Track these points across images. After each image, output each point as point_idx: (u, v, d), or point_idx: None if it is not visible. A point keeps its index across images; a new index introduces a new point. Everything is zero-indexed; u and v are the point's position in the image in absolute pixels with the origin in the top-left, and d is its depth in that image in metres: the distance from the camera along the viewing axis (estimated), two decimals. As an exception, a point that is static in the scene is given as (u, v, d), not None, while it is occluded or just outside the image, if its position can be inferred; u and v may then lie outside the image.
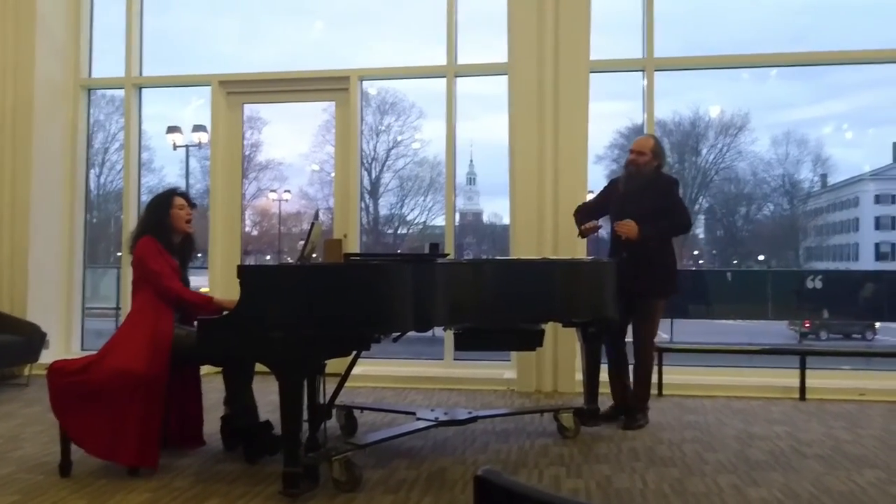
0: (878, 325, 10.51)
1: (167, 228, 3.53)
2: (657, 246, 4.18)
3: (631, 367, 4.34)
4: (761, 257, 16.75)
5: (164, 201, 3.58)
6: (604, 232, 4.63)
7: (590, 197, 5.03)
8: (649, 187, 4.21)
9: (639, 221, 4.09)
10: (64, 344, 6.18)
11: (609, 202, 4.41)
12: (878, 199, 16.61)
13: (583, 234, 4.38)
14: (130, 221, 6.05)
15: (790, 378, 5.14)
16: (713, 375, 5.35)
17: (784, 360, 5.39)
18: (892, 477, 3.25)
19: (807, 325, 10.31)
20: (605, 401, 4.56)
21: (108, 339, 3.38)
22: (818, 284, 7.26)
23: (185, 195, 3.67)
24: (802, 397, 5.02)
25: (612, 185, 4.46)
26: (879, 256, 16.39)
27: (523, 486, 0.84)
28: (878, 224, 16.50)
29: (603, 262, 4.14)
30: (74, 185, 6.30)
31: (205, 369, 3.81)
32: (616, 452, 3.65)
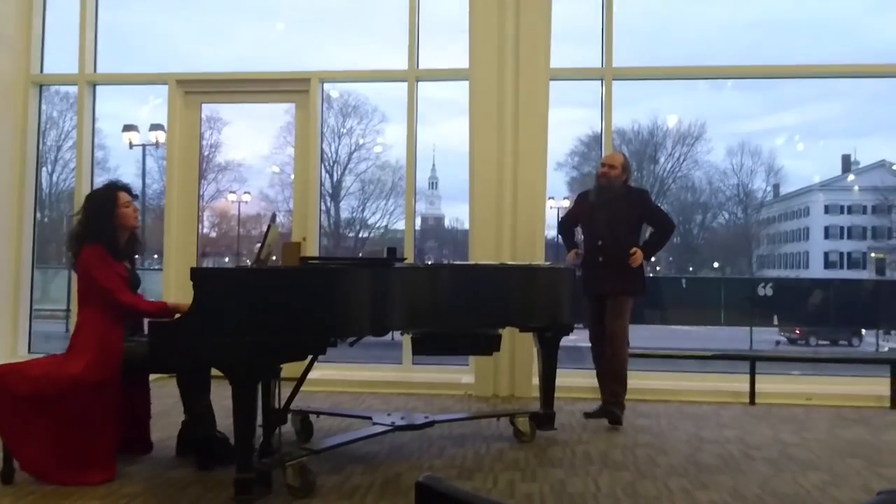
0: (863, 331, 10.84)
1: (113, 231, 3.32)
2: (634, 245, 4.45)
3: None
4: (716, 264, 17.13)
5: (109, 200, 3.33)
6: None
7: (549, 203, 5.15)
8: (620, 199, 4.49)
9: (609, 229, 4.45)
10: (11, 346, 6.00)
11: (579, 214, 4.72)
12: (828, 210, 17.14)
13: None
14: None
15: (741, 383, 5.26)
16: (666, 380, 5.46)
17: (736, 366, 5.52)
18: (835, 479, 3.35)
19: (797, 332, 10.58)
20: (561, 405, 4.62)
21: (58, 355, 3.27)
22: (769, 292, 7.45)
23: (126, 188, 3.42)
24: (752, 402, 5.14)
25: (583, 197, 4.76)
26: (828, 265, 16.90)
27: (463, 492, 0.84)
28: (828, 233, 17.02)
29: (559, 269, 4.22)
30: (24, 184, 6.12)
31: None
32: (570, 457, 3.69)
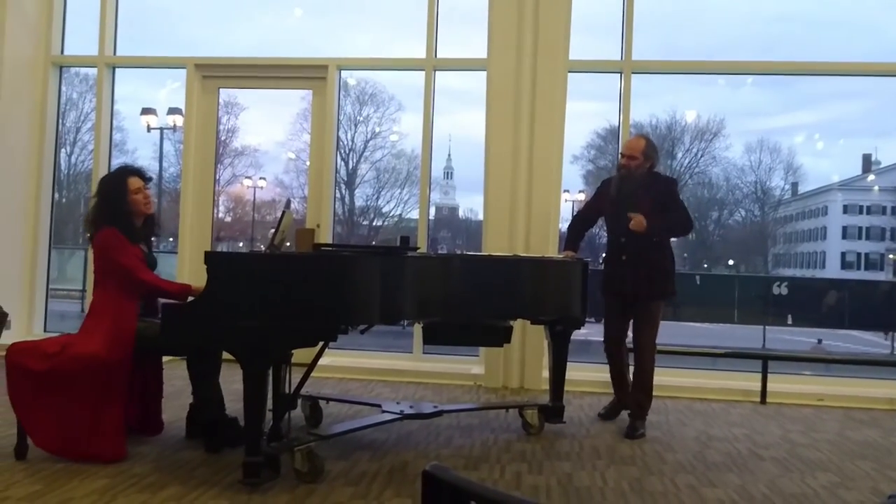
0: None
1: (127, 216, 3.34)
2: (659, 243, 4.17)
3: (631, 370, 4.33)
4: (731, 262, 17.01)
5: (119, 186, 3.34)
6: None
7: (564, 196, 5.08)
8: (645, 188, 4.15)
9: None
10: (26, 325, 6.08)
11: (602, 204, 4.39)
12: (846, 209, 16.97)
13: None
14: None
15: (752, 381, 5.23)
16: (676, 377, 5.42)
17: (747, 364, 5.49)
18: (843, 481, 3.33)
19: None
20: (570, 398, 4.62)
21: (72, 334, 3.31)
22: (784, 291, 7.40)
23: (139, 172, 3.42)
24: (763, 401, 5.11)
25: (605, 187, 4.41)
26: (845, 265, 16.75)
27: (469, 482, 0.84)
28: (846, 233, 16.86)
29: (571, 262, 4.17)
30: (42, 164, 6.18)
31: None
32: (578, 450, 3.69)
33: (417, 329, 5.46)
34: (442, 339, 4.09)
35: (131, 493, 2.79)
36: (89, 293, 4.32)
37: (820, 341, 9.27)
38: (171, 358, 3.96)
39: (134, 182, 3.38)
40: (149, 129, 12.41)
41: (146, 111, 12.28)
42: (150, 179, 3.49)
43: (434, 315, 3.62)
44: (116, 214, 3.32)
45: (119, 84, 6.39)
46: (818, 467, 3.54)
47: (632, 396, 4.24)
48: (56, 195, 6.45)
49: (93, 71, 6.35)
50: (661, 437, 4.03)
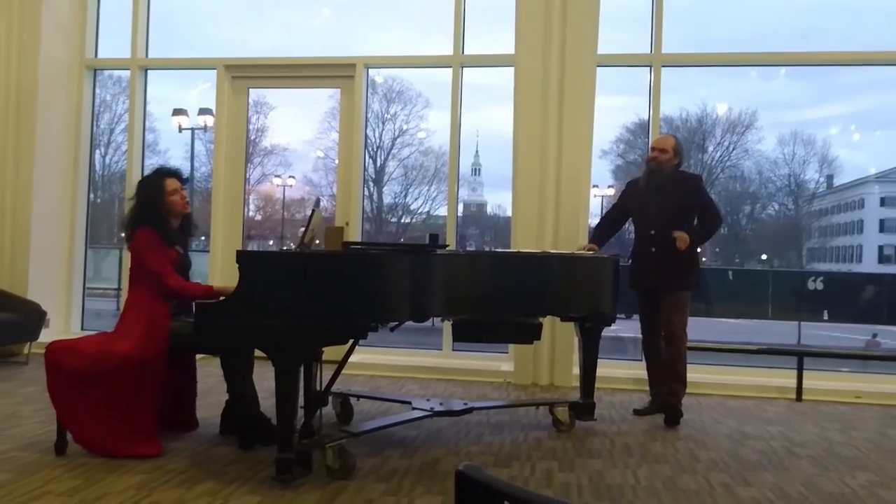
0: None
1: (164, 217, 3.41)
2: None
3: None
4: (764, 256, 16.72)
5: (156, 188, 3.41)
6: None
7: (593, 192, 5.05)
8: (672, 184, 4.25)
9: (662, 218, 4.20)
10: (64, 323, 6.22)
11: (630, 202, 4.48)
12: (884, 202, 16.56)
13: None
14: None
15: (787, 378, 5.14)
16: (710, 374, 5.35)
17: (782, 361, 5.40)
18: (883, 480, 3.25)
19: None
20: (601, 395, 4.59)
21: (108, 333, 3.37)
22: (819, 286, 7.26)
23: (176, 173, 3.49)
24: (799, 398, 5.02)
25: (632, 186, 4.52)
26: (882, 259, 16.36)
27: (502, 482, 0.84)
28: (883, 227, 16.46)
29: (602, 258, 4.15)
30: (78, 165, 6.31)
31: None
32: (609, 448, 3.67)
33: (447, 326, 5.46)
34: (471, 336, 4.09)
35: (167, 488, 2.84)
36: (124, 291, 4.40)
37: (875, 336, 8.91)
38: (203, 356, 4.01)
39: (171, 183, 3.45)
40: (180, 129, 12.59)
41: (177, 112, 12.45)
42: (186, 180, 3.57)
43: (463, 312, 3.62)
44: (154, 216, 3.39)
45: (151, 85, 6.50)
46: (857, 466, 3.47)
47: (666, 385, 4.23)
48: (91, 195, 6.58)
49: (125, 73, 6.46)
50: (695, 435, 3.98)
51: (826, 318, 7.60)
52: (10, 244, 5.90)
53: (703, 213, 4.32)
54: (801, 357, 5.14)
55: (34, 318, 5.53)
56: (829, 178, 16.80)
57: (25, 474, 2.95)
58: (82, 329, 6.26)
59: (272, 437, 3.14)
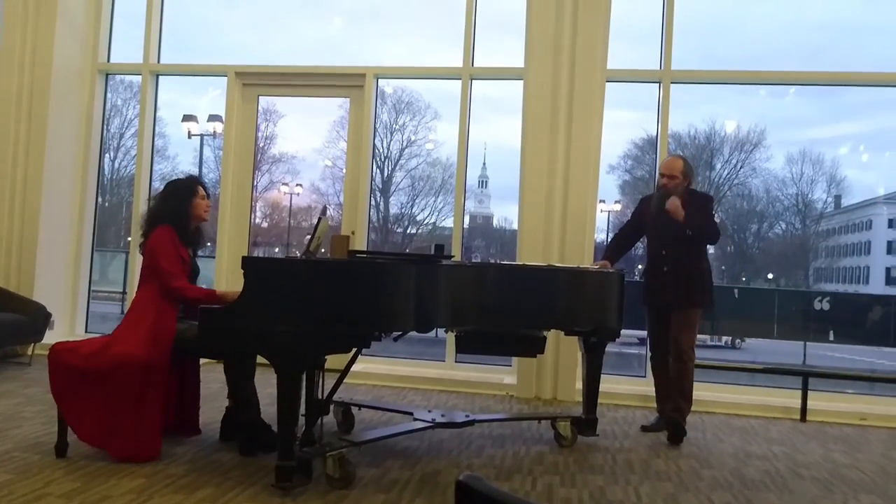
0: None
1: (187, 217, 3.52)
2: (698, 254, 4.29)
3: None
4: (770, 275, 16.65)
5: (189, 189, 3.55)
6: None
7: (600, 207, 5.05)
8: (683, 203, 4.26)
9: (676, 241, 4.23)
10: (69, 325, 6.23)
11: (643, 221, 4.51)
12: (892, 224, 16.51)
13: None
14: (141, 208, 6.07)
15: (792, 398, 5.11)
16: (714, 391, 5.31)
17: (787, 381, 5.36)
18: (888, 503, 3.22)
19: None
20: (604, 411, 4.56)
21: (113, 330, 3.38)
22: (825, 306, 7.21)
23: (204, 185, 3.66)
24: (803, 418, 4.98)
25: (644, 203, 4.57)
26: (890, 281, 16.28)
27: (504, 493, 0.83)
28: (891, 248, 16.40)
29: (608, 273, 4.14)
30: (87, 169, 6.34)
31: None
32: (611, 464, 3.64)
33: (450, 337, 5.45)
34: (475, 348, 4.08)
35: (167, 492, 2.83)
36: (130, 295, 4.42)
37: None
38: (206, 360, 4.01)
39: (201, 190, 3.60)
40: (189, 135, 12.67)
41: (187, 118, 12.55)
42: (209, 195, 3.70)
43: (468, 324, 3.62)
44: (178, 212, 3.48)
45: (162, 91, 6.54)
46: (861, 489, 3.43)
47: (671, 401, 4.23)
48: (99, 199, 6.61)
49: (136, 78, 6.50)
50: (698, 453, 3.95)
51: (832, 338, 7.55)
52: (17, 244, 5.92)
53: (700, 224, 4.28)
54: (806, 377, 5.11)
55: (39, 319, 5.54)
56: (838, 198, 16.76)
57: (26, 475, 2.94)
58: (86, 331, 6.27)
59: (273, 444, 3.13)
